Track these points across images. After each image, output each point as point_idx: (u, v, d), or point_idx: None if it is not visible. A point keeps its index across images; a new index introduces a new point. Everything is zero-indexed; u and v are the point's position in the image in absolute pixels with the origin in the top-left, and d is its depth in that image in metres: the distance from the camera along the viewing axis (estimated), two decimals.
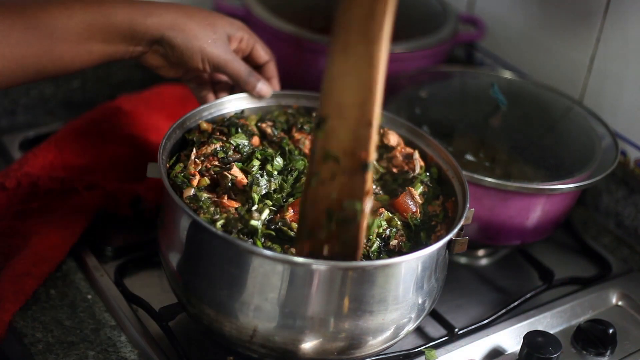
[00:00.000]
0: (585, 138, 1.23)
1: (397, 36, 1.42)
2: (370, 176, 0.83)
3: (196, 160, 0.96)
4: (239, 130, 1.00)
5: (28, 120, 1.40)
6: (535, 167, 1.18)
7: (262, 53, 1.09)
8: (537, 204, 1.13)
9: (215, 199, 0.92)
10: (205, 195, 0.92)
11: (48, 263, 1.05)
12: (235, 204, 0.92)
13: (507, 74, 1.38)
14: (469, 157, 1.17)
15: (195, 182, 0.93)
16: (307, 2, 1.54)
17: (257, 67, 1.09)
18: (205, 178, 0.94)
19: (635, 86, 1.26)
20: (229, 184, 0.93)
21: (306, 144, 1.03)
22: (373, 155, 0.83)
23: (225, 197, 0.92)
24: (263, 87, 1.06)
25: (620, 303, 1.17)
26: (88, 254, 1.11)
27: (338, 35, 0.81)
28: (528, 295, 1.14)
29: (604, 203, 1.34)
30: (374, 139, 0.82)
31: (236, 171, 0.94)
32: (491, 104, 1.21)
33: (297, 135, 1.04)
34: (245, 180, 0.94)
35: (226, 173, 0.94)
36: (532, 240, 1.20)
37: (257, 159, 0.97)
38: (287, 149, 1.01)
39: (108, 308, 1.05)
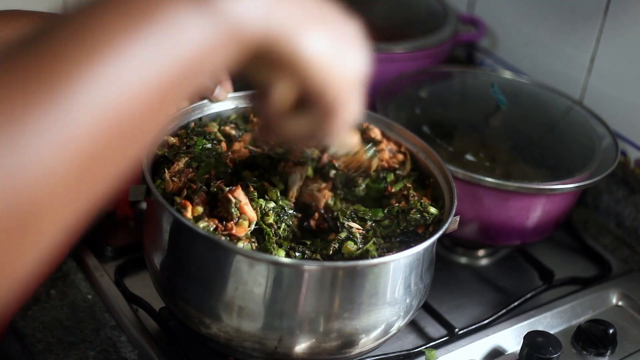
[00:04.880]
0: (586, 138, 1.23)
1: (397, 36, 1.43)
2: None
3: (173, 179, 0.94)
4: (205, 138, 0.99)
5: None
6: (535, 167, 1.18)
7: None
8: (537, 204, 1.13)
9: (219, 226, 0.89)
10: (204, 223, 0.89)
11: (48, 263, 1.04)
12: (244, 230, 0.89)
13: (507, 74, 1.38)
14: (469, 157, 1.17)
15: (189, 213, 0.89)
16: None
17: None
18: (198, 207, 0.91)
19: (635, 86, 1.26)
20: (233, 209, 0.90)
21: None
22: None
23: (233, 226, 0.89)
24: (221, 92, 1.05)
25: (620, 303, 1.17)
26: (88, 254, 1.11)
27: None
28: (528, 295, 1.14)
29: (604, 203, 1.34)
30: None
31: (240, 194, 0.91)
32: (491, 104, 1.21)
33: (255, 119, 1.05)
34: (253, 215, 0.90)
35: (229, 196, 0.90)
36: (532, 240, 1.20)
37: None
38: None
39: (108, 308, 1.05)
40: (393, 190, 1.00)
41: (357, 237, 0.92)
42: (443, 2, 1.50)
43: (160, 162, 0.98)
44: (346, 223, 0.93)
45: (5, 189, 0.40)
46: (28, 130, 0.41)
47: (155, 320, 1.01)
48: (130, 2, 0.48)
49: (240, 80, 1.06)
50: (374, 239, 0.93)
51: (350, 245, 0.91)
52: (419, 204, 0.96)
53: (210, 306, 0.87)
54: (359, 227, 0.94)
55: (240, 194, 0.91)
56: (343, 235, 0.92)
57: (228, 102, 1.07)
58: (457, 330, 1.06)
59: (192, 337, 0.99)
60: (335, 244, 0.91)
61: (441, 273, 1.13)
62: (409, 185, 1.00)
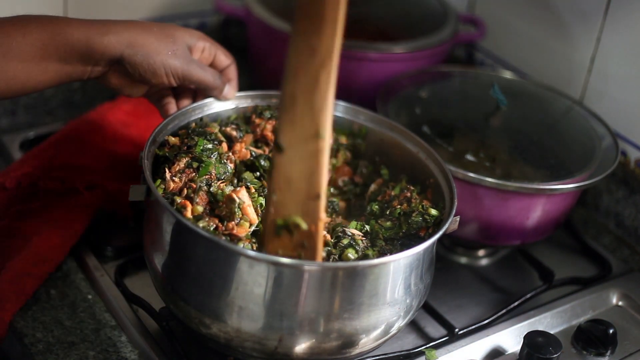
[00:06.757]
0: (586, 138, 1.23)
1: (397, 36, 1.43)
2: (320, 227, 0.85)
3: (173, 179, 0.94)
4: (206, 138, 0.99)
5: (28, 120, 1.40)
6: (536, 167, 1.18)
7: (224, 58, 1.06)
8: (537, 204, 1.13)
9: (220, 225, 0.90)
10: (204, 223, 0.89)
11: (48, 263, 1.05)
12: (244, 230, 0.90)
13: (507, 74, 1.38)
14: (469, 157, 1.17)
15: (189, 213, 0.90)
16: None
17: (220, 72, 1.07)
18: (198, 206, 0.91)
19: (635, 86, 1.26)
20: (236, 209, 0.90)
21: (267, 128, 1.05)
22: (322, 225, 0.85)
23: (234, 226, 0.90)
24: (230, 91, 1.05)
25: (620, 303, 1.17)
26: (88, 254, 1.11)
27: (284, 106, 0.82)
28: (528, 296, 1.14)
29: (604, 203, 1.34)
30: (322, 210, 0.85)
31: (244, 195, 0.92)
32: (491, 104, 1.21)
33: (257, 121, 1.05)
34: (254, 217, 0.92)
35: (234, 196, 0.91)
36: (533, 240, 1.20)
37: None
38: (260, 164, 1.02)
39: (108, 308, 1.05)
40: (393, 193, 1.00)
41: (359, 244, 0.92)
42: (443, 2, 1.50)
43: (160, 162, 0.98)
44: (348, 230, 0.94)
45: None
46: None
47: (155, 320, 1.01)
48: None
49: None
50: (375, 241, 0.94)
51: (351, 254, 0.91)
52: (420, 206, 0.96)
53: (211, 306, 0.87)
54: (360, 233, 0.94)
55: (244, 194, 0.91)
56: (345, 242, 0.92)
57: (228, 102, 1.07)
58: (457, 330, 1.06)
59: (192, 337, 0.99)
60: (335, 252, 0.91)
61: (441, 273, 1.13)
62: (412, 188, 1.00)
